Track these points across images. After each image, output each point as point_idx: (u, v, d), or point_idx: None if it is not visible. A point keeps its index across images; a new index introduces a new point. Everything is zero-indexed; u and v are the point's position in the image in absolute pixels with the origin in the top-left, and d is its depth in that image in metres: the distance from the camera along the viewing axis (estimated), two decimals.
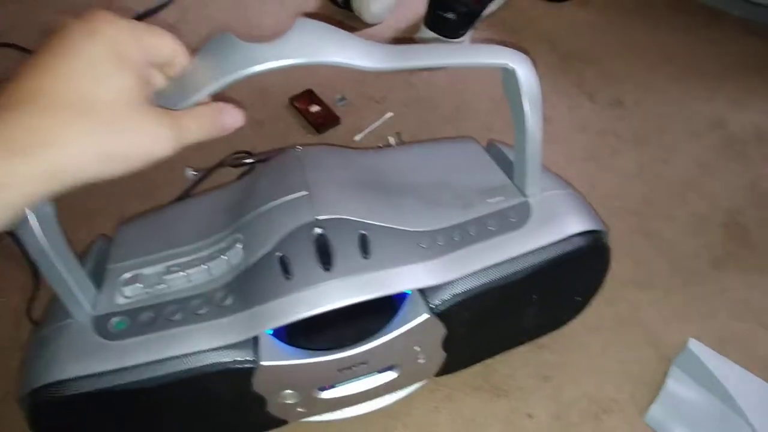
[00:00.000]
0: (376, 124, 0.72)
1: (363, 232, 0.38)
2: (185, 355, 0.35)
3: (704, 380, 0.46)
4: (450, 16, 0.78)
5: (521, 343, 0.50)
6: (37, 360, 0.37)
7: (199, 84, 0.31)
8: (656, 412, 0.46)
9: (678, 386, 0.46)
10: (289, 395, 0.39)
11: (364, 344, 0.37)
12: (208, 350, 0.35)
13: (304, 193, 0.41)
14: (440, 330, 0.39)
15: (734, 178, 0.66)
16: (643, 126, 0.73)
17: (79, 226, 0.55)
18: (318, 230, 0.38)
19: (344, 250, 0.37)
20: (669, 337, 0.51)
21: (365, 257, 0.37)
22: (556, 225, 0.41)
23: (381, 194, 0.43)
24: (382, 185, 0.44)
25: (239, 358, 0.36)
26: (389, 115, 0.74)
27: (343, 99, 0.75)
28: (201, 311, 0.37)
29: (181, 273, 0.38)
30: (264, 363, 0.36)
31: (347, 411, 0.46)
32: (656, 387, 0.47)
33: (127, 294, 0.38)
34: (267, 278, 0.37)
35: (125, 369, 0.35)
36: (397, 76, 0.80)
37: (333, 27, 0.33)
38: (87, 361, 0.35)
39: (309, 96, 0.75)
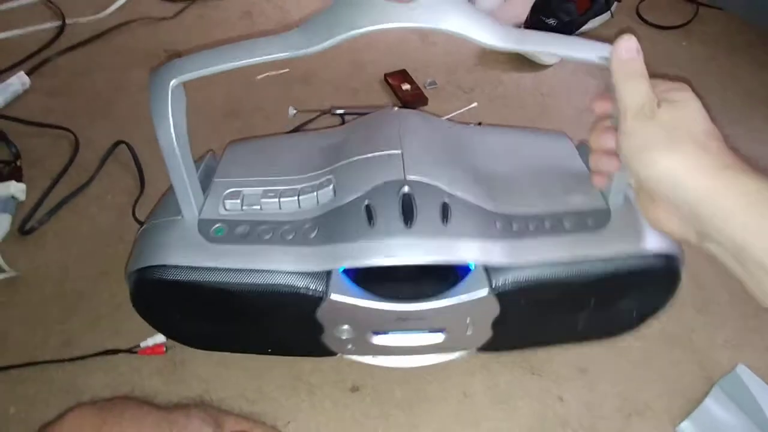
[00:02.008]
0: (461, 111, 0.76)
1: (446, 200, 0.40)
2: (268, 271, 0.39)
3: (745, 405, 0.46)
4: (551, 22, 0.80)
5: (566, 342, 0.50)
6: (147, 245, 0.42)
7: (335, 30, 0.34)
8: (688, 426, 0.46)
9: (716, 406, 0.47)
10: (345, 331, 0.42)
11: (424, 303, 0.39)
12: (288, 272, 0.39)
13: (398, 151, 0.43)
14: (494, 309, 0.41)
15: None
16: None
17: None
18: (406, 189, 0.40)
19: (426, 212, 0.39)
20: (716, 361, 0.51)
21: (444, 223, 0.39)
22: (633, 239, 0.41)
23: (467, 168, 0.44)
24: (470, 160, 0.46)
25: (312, 287, 0.39)
26: (474, 105, 0.77)
27: (433, 83, 0.79)
28: (289, 236, 0.40)
29: (275, 199, 0.42)
30: (333, 296, 0.39)
31: (391, 360, 0.49)
32: (694, 403, 0.48)
33: (228, 207, 0.43)
34: (352, 221, 0.39)
35: (217, 269, 0.39)
36: (488, 72, 0.83)
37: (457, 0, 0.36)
38: (189, 254, 0.40)
39: (403, 75, 0.79)
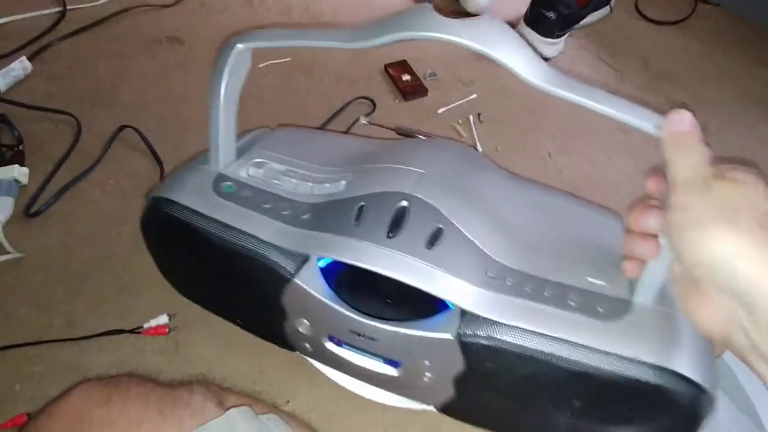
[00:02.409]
0: (460, 102, 0.77)
1: (441, 226, 0.38)
2: (249, 235, 0.41)
3: (731, 392, 0.47)
4: (551, 15, 0.81)
5: None
6: (171, 179, 0.46)
7: (391, 30, 0.36)
8: None
9: None
10: (303, 325, 0.42)
11: (378, 323, 0.37)
12: (265, 242, 0.40)
13: (422, 171, 0.42)
14: (458, 362, 0.37)
15: None
16: (723, 154, 0.73)
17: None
18: (404, 203, 0.39)
19: (414, 230, 0.38)
20: None
21: (428, 247, 0.37)
22: (651, 345, 0.33)
23: (487, 211, 0.42)
24: (497, 206, 0.43)
25: (282, 264, 0.40)
26: (473, 96, 0.78)
27: (433, 74, 0.80)
28: (284, 213, 0.42)
29: (293, 180, 0.44)
30: (297, 280, 0.39)
31: (351, 382, 0.47)
32: None
33: (250, 173, 0.45)
34: (341, 215, 0.40)
35: (209, 219, 0.42)
36: (488, 64, 0.84)
37: (513, 32, 0.35)
38: (194, 198, 0.43)
39: (403, 66, 0.80)
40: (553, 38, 0.83)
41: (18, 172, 0.62)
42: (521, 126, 0.75)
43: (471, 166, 0.48)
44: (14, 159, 0.63)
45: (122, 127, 0.68)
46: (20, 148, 0.65)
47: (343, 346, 0.42)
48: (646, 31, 0.93)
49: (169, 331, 0.52)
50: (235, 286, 0.45)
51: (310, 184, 0.44)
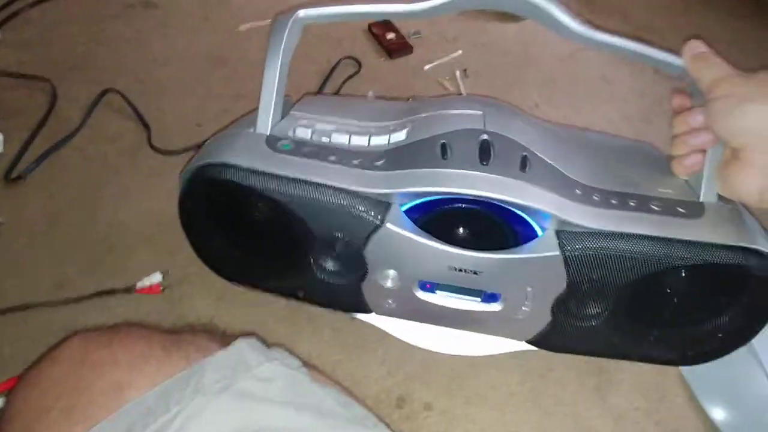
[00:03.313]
0: (445, 58, 0.76)
1: (525, 154, 0.38)
2: (327, 186, 0.37)
3: None
4: None
5: (631, 357, 0.45)
6: (211, 148, 0.41)
7: None
8: None
9: None
10: (390, 277, 0.40)
11: (485, 253, 0.37)
12: (348, 190, 0.37)
13: (479, 112, 0.41)
14: (561, 280, 0.37)
15: None
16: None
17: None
18: (485, 136, 0.38)
19: (504, 158, 0.37)
20: None
21: (522, 170, 0.36)
22: (732, 232, 0.36)
23: (550, 140, 0.42)
24: (553, 136, 0.43)
25: (370, 211, 0.37)
26: (459, 52, 0.77)
27: (417, 33, 0.79)
28: (355, 161, 0.39)
29: (345, 135, 0.41)
30: (389, 225, 0.36)
31: (428, 340, 0.47)
32: None
33: (298, 133, 0.41)
34: (423, 154, 0.37)
35: (276, 176, 0.37)
36: (472, 22, 0.83)
37: None
38: (251, 158, 0.38)
39: (387, 25, 0.79)
40: None
41: None
42: (507, 79, 0.75)
43: (511, 109, 0.46)
44: None
45: (105, 91, 0.66)
46: None
47: (437, 291, 0.41)
48: None
49: (163, 290, 0.51)
50: (306, 250, 0.41)
51: (366, 137, 0.41)
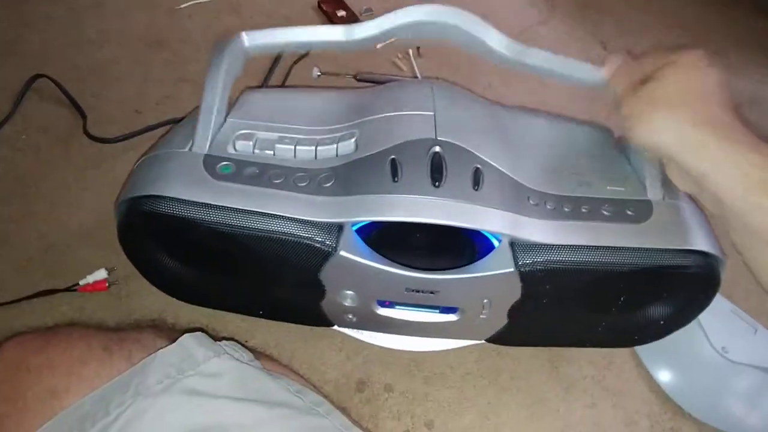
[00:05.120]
0: (398, 36, 0.75)
1: (478, 166, 0.37)
2: (275, 216, 0.35)
3: None
4: None
5: (583, 344, 0.47)
6: (144, 174, 0.38)
7: None
8: None
9: None
10: (348, 297, 0.40)
11: (442, 275, 0.37)
12: (297, 219, 0.35)
13: (430, 113, 0.40)
14: (516, 291, 0.38)
15: None
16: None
17: None
18: (436, 148, 0.37)
19: (457, 174, 0.36)
20: None
21: (475, 189, 0.36)
22: (676, 234, 0.38)
23: (502, 141, 0.41)
24: (506, 135, 0.42)
25: (321, 239, 0.35)
26: None
27: (369, 10, 0.78)
28: (302, 183, 0.37)
29: (290, 146, 0.39)
30: (342, 253, 0.36)
31: (389, 340, 0.47)
32: None
33: (238, 148, 0.39)
34: (373, 174, 0.36)
35: (219, 208, 0.35)
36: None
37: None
38: (190, 188, 0.36)
39: (337, 1, 0.77)
40: None
41: None
42: (459, 58, 0.75)
43: (464, 100, 0.45)
44: None
45: (35, 77, 0.62)
46: None
47: (396, 307, 0.41)
48: None
49: (109, 286, 0.49)
50: (260, 278, 0.40)
51: (312, 147, 0.39)
